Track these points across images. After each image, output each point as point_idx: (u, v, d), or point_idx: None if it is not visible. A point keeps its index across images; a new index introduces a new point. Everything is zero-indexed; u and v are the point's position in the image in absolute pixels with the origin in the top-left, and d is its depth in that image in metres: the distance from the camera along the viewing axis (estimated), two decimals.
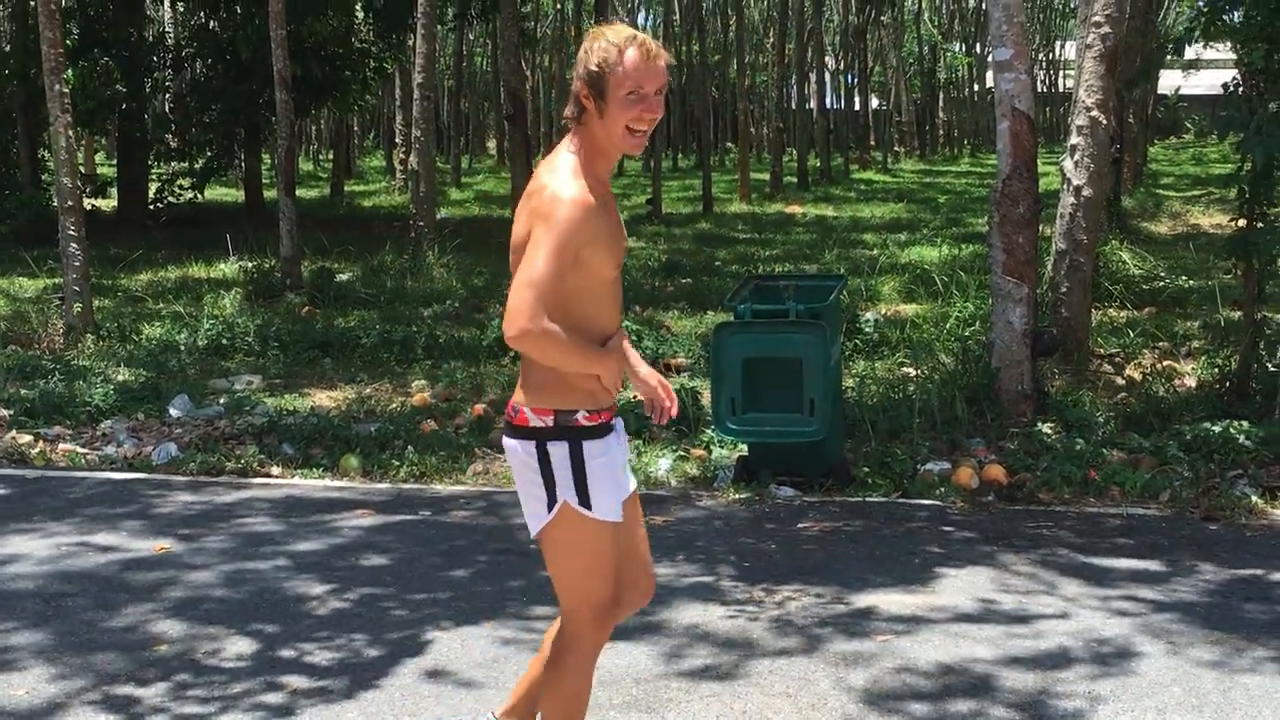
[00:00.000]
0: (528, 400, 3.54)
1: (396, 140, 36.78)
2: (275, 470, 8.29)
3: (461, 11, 29.39)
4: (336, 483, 8.07)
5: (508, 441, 3.60)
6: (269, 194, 25.54)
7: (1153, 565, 6.28)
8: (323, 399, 10.15)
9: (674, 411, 3.75)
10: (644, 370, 3.76)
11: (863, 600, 5.81)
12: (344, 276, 16.35)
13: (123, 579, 6.16)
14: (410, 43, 27.96)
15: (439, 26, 25.33)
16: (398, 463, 8.29)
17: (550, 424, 3.51)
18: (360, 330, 12.32)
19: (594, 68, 3.42)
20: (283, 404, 9.81)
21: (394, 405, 9.81)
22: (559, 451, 3.51)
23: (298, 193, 17.32)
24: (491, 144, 63.98)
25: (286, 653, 5.25)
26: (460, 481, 8.05)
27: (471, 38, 54.67)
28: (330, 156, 45.44)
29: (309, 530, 6.97)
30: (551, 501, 3.54)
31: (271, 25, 15.77)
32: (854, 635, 5.39)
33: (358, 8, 27.35)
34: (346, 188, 35.39)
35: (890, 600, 5.79)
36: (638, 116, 3.44)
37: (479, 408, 9.48)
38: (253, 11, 24.03)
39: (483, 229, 20.64)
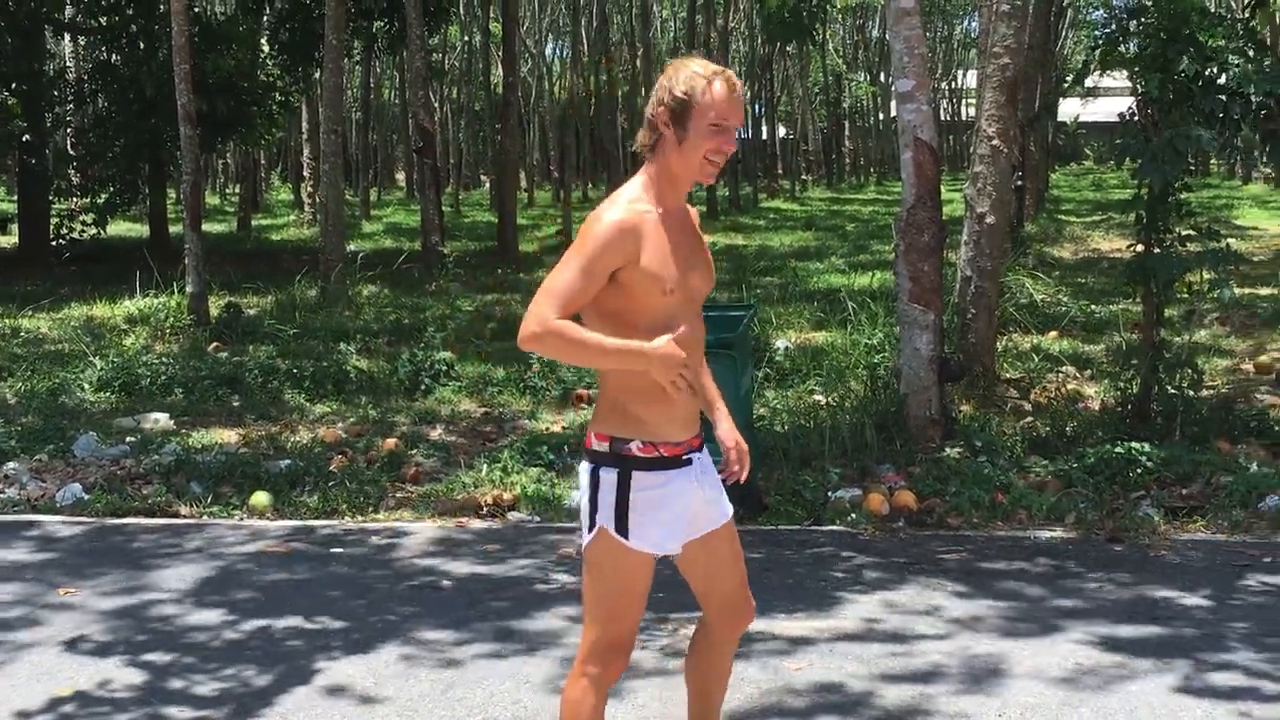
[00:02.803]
0: (593, 425, 3.63)
1: (304, 173, 36.53)
2: (183, 509, 8.17)
3: (368, 44, 29.30)
4: (246, 521, 7.97)
5: (580, 464, 3.70)
6: (175, 229, 25.24)
7: (1058, 586, 6.38)
8: (231, 436, 10.02)
9: (741, 477, 3.85)
10: (723, 428, 3.89)
11: (770, 627, 5.84)
12: (252, 311, 16.18)
13: (27, 620, 6.05)
14: (317, 76, 27.83)
15: (346, 59, 25.21)
16: (308, 499, 8.22)
17: (606, 449, 3.58)
18: (269, 366, 12.19)
19: (680, 95, 3.47)
20: (191, 442, 9.68)
21: (304, 441, 9.72)
22: (609, 477, 3.57)
23: (204, 228, 17.13)
24: (401, 176, 63.75)
25: (175, 684, 5.29)
26: (373, 518, 7.99)
27: (379, 70, 54.46)
28: (237, 191, 45.01)
29: (214, 567, 6.89)
30: (591, 524, 3.61)
31: (175, 60, 15.60)
32: (749, 659, 5.43)
33: (263, 42, 27.19)
34: (254, 222, 35.06)
35: (800, 627, 5.83)
36: (717, 147, 3.50)
37: (390, 442, 9.42)
38: (156, 47, 23.79)
39: (394, 261, 20.53)
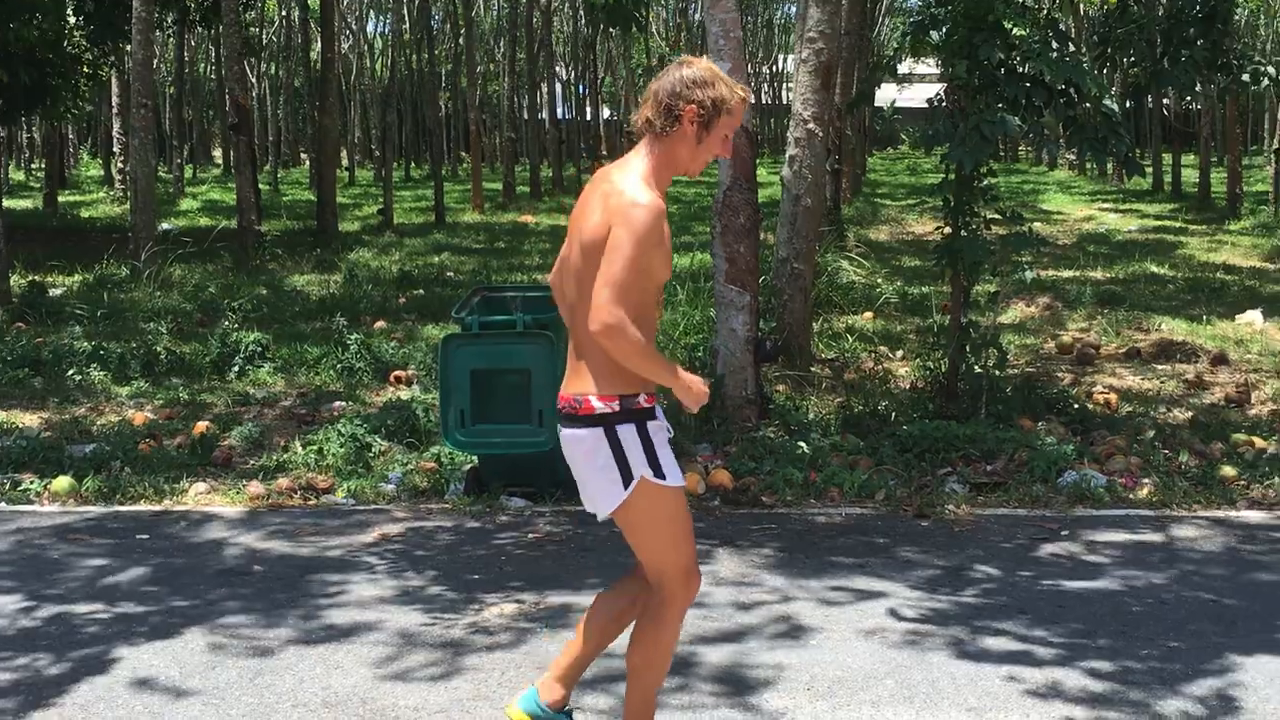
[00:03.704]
0: (593, 389, 3.85)
1: (115, 149, 35.40)
2: None
3: (181, 17, 28.50)
4: (47, 507, 7.71)
5: (569, 432, 3.91)
6: None
7: (868, 561, 6.52)
8: (33, 420, 9.68)
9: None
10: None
11: (589, 601, 5.84)
12: (58, 291, 15.65)
13: None
14: (128, 48, 26.96)
15: (158, 32, 24.46)
16: (113, 484, 7.98)
17: (616, 409, 3.84)
18: (75, 346, 11.79)
19: (717, 100, 3.84)
20: None
21: (111, 425, 9.43)
22: (628, 432, 3.84)
23: (7, 204, 16.49)
24: (218, 153, 62.19)
25: None
26: (181, 501, 7.80)
27: (194, 44, 53.02)
28: (43, 166, 43.42)
29: (9, 554, 6.67)
30: (627, 480, 3.85)
31: None
32: (569, 629, 5.42)
33: (69, 12, 26.24)
34: (61, 198, 33.87)
35: None
36: (721, 152, 3.96)
37: (201, 425, 9.20)
38: None
39: (208, 239, 20.02)
